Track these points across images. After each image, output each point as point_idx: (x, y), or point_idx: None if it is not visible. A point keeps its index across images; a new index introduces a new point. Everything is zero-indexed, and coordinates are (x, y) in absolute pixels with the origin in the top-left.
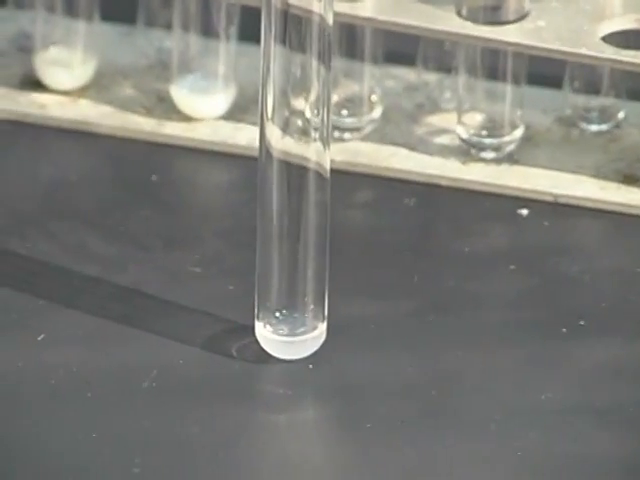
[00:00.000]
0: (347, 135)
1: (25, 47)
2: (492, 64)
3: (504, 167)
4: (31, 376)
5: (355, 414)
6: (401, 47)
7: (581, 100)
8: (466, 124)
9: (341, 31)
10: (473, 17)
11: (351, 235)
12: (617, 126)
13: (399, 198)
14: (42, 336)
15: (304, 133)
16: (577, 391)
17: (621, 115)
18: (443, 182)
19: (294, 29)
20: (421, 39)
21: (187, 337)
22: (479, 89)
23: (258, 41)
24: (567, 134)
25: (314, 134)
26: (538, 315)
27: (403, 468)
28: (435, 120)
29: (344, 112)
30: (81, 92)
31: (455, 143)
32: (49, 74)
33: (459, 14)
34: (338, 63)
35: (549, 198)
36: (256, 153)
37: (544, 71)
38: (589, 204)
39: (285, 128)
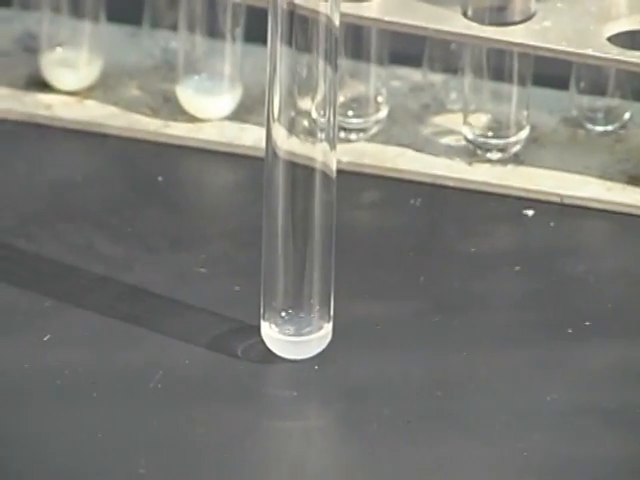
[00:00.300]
0: (353, 136)
1: (31, 48)
2: (498, 65)
3: (510, 168)
4: (37, 376)
5: (360, 415)
6: (407, 48)
7: (587, 101)
8: (472, 125)
9: (347, 32)
10: (479, 18)
11: (357, 235)
12: (623, 127)
13: (405, 198)
14: (48, 336)
15: (310, 134)
16: (582, 392)
17: (627, 116)
18: (449, 183)
19: (300, 30)
20: (427, 40)
21: (193, 337)
22: (485, 90)
23: (264, 42)
24: (573, 135)
25: (320, 135)
26: (544, 316)
27: (408, 469)
28: (441, 121)
29: (350, 113)
30: (87, 93)
31: (461, 144)
32: (55, 75)
33: (465, 15)
34: (344, 64)
35: (555, 199)
36: (262, 153)
37: (550, 72)
38: (595, 205)
39: (291, 128)
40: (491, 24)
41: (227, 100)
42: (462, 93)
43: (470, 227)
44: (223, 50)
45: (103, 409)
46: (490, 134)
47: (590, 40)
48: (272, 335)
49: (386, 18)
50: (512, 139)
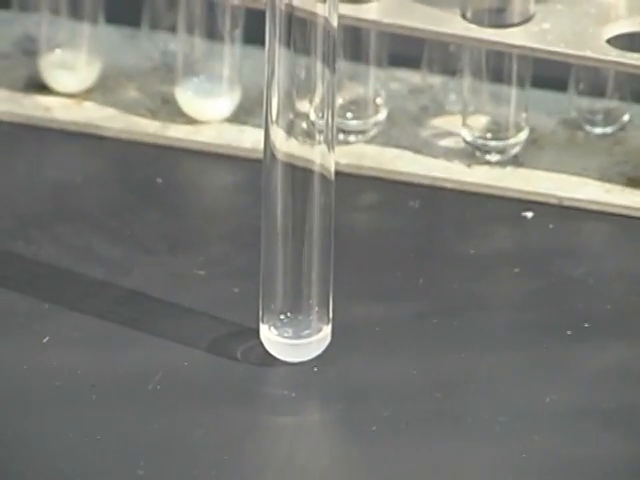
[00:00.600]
0: (352, 138)
1: (30, 50)
2: (497, 67)
3: (509, 170)
4: (36, 378)
5: (360, 416)
6: (406, 50)
7: (586, 103)
8: (471, 127)
9: (346, 34)
10: (478, 20)
11: (356, 237)
12: (622, 129)
13: (404, 200)
14: (47, 338)
15: (309, 136)
16: (582, 393)
17: (626, 118)
18: (448, 184)
19: (299, 32)
20: (426, 42)
21: (192, 339)
22: (484, 92)
23: (263, 44)
24: (572, 137)
25: (319, 137)
26: (543, 317)
27: (408, 470)
28: (440, 123)
29: (349, 115)
30: (86, 95)
31: (460, 146)
32: (54, 77)
33: (464, 17)
34: (343, 66)
35: (554, 201)
36: (260, 155)
37: (549, 74)
38: (594, 207)
39: (290, 131)
40: (490, 26)
41: (226, 102)
42: (461, 95)
43: (469, 229)
44: (222, 52)
45: (102, 411)
46: (489, 136)
47: (589, 42)
48: (271, 338)
49: (385, 20)
50: (511, 141)
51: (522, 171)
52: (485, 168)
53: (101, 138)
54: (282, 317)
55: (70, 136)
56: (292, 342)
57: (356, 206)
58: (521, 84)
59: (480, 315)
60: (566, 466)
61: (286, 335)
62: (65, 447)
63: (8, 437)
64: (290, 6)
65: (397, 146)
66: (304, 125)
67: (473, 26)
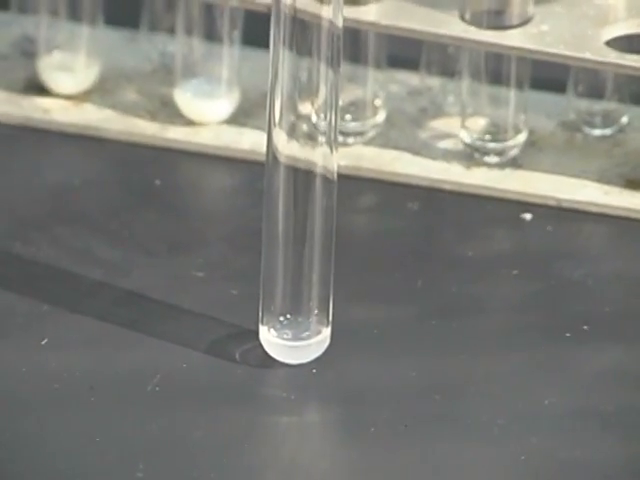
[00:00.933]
0: (351, 139)
1: (29, 51)
2: (496, 68)
3: (507, 171)
4: (35, 380)
5: (358, 418)
6: (404, 51)
7: (585, 104)
8: (470, 128)
9: (345, 35)
10: (477, 21)
11: (354, 239)
12: (621, 131)
13: (402, 202)
14: (45, 340)
15: (311, 137)
16: (580, 396)
17: (625, 120)
18: (446, 186)
19: (303, 34)
20: (424, 43)
21: (190, 341)
22: (483, 93)
23: (262, 45)
24: (571, 139)
25: (321, 138)
26: (541, 320)
27: (406, 472)
28: (439, 124)
29: (348, 116)
30: (85, 96)
31: (459, 147)
32: (53, 78)
33: (463, 18)
34: (342, 67)
35: (552, 202)
36: (260, 157)
37: (548, 75)
38: (593, 209)
39: (292, 133)
40: (489, 28)
41: (225, 104)
42: (460, 97)
43: (468, 231)
44: (221, 54)
45: (101, 413)
46: (488, 138)
47: (588, 44)
48: (270, 339)
49: (384, 22)
50: (510, 143)
51: (521, 173)
52: (484, 170)
53: (100, 140)
54: (282, 319)
55: (69, 138)
56: (291, 344)
57: (355, 208)
58: (520, 86)
59: (479, 317)
60: (565, 468)
61: (285, 337)
62: (64, 449)
63: (6, 438)
64: (294, 9)
65: (396, 148)
66: (307, 127)
67: (472, 28)
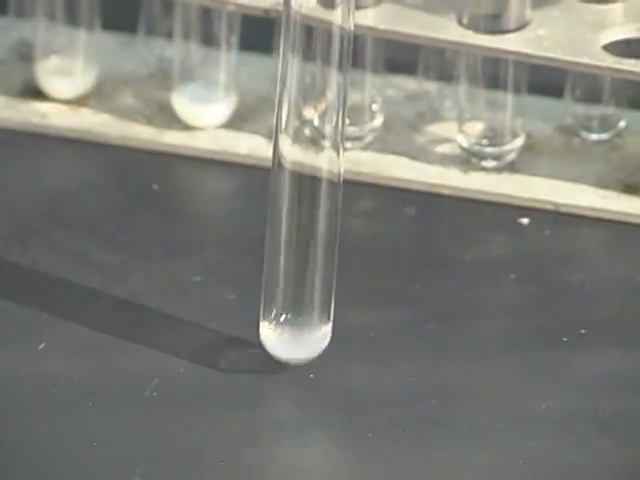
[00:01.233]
0: (348, 144)
1: (26, 56)
2: (493, 73)
3: (505, 176)
4: (32, 385)
5: (356, 423)
6: (402, 56)
7: (582, 109)
8: (467, 133)
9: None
10: (474, 26)
11: (352, 244)
12: (618, 135)
13: (400, 207)
14: (43, 345)
15: (316, 142)
16: (578, 400)
17: (622, 124)
18: (444, 191)
19: (313, 40)
20: (422, 48)
21: (188, 346)
22: (480, 98)
23: (259, 50)
24: (568, 143)
25: (327, 142)
26: (539, 324)
27: (404, 477)
28: (436, 129)
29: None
30: (82, 101)
31: (456, 152)
32: (50, 83)
33: (460, 23)
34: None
35: (550, 207)
36: (257, 162)
37: (545, 80)
38: (590, 213)
39: (298, 138)
40: (486, 32)
41: (222, 108)
42: (457, 101)
43: (465, 235)
44: (218, 58)
45: (99, 417)
46: (485, 142)
47: (585, 48)
48: (270, 335)
49: (381, 26)
50: (507, 147)
51: (518, 177)
52: (481, 174)
53: (97, 144)
54: (282, 318)
55: (66, 142)
56: (292, 342)
57: (352, 212)
58: (517, 90)
59: (476, 321)
60: (562, 472)
61: (286, 335)
62: (62, 453)
63: (4, 443)
64: (303, 15)
65: (393, 152)
66: (312, 131)
67: (469, 32)
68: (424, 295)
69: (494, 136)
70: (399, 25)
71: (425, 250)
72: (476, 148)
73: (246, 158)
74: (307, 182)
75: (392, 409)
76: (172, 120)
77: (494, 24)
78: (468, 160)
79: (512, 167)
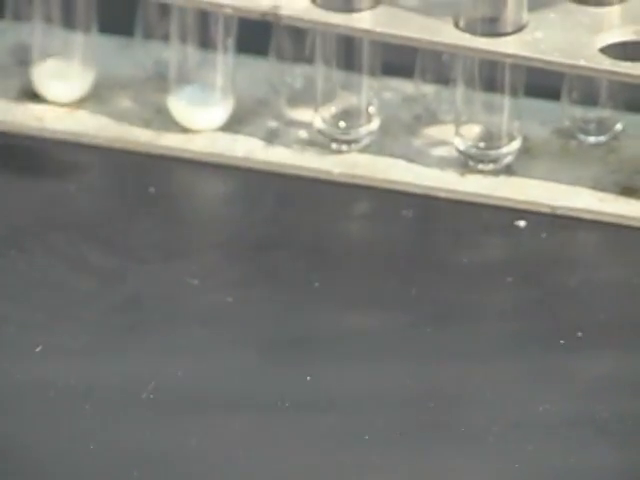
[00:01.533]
0: (345, 147)
1: (23, 59)
2: (490, 76)
3: (502, 179)
4: (29, 387)
5: (353, 426)
6: (399, 59)
7: (579, 112)
8: (464, 136)
9: (339, 43)
10: (471, 29)
11: (349, 247)
12: (615, 138)
13: (397, 210)
14: (40, 347)
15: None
16: (575, 403)
17: (619, 127)
18: (441, 194)
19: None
20: (419, 51)
21: (185, 348)
22: (477, 101)
23: (256, 53)
24: (565, 146)
25: None
26: (536, 327)
27: None
28: (433, 132)
29: (342, 124)
30: (79, 104)
31: (453, 155)
32: (47, 86)
33: (457, 26)
34: (336, 75)
35: (547, 210)
36: (253, 164)
37: (542, 83)
38: (587, 216)
39: None
40: (483, 35)
41: (219, 111)
42: (454, 104)
43: (462, 238)
44: (215, 61)
45: (95, 420)
46: (482, 145)
47: (582, 51)
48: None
49: (378, 29)
50: (504, 150)
51: (515, 180)
52: (478, 177)
53: (94, 147)
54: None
55: (63, 145)
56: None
57: (349, 215)
58: (514, 93)
59: (473, 324)
60: (560, 476)
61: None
62: (58, 457)
63: (0, 446)
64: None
65: (390, 155)
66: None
67: (466, 35)
68: (421, 298)
69: (491, 139)
70: (396, 28)
71: (422, 253)
72: (473, 151)
73: (243, 161)
74: None
75: (389, 412)
76: (169, 123)
77: (491, 27)
78: (465, 163)
79: (509, 170)
